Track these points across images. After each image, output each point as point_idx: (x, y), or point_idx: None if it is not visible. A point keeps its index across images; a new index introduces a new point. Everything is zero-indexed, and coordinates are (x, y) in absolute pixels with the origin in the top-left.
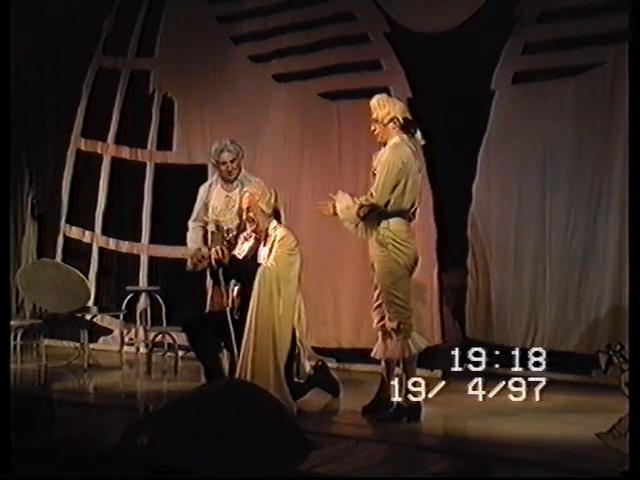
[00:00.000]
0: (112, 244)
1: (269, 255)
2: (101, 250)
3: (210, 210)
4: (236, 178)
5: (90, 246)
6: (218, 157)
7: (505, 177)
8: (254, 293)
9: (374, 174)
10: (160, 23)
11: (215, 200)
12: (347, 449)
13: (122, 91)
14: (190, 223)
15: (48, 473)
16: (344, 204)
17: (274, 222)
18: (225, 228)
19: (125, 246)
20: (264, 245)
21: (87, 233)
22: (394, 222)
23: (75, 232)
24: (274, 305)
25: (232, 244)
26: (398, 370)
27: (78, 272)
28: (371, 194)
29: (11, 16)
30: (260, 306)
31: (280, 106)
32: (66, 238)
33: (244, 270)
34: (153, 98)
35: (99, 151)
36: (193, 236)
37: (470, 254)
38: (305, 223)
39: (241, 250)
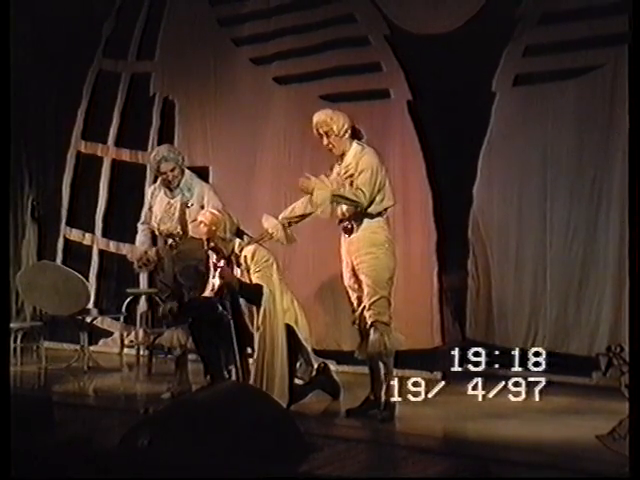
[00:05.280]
0: (112, 246)
1: (246, 275)
2: (101, 252)
3: (152, 217)
4: (178, 185)
5: (90, 248)
6: (157, 167)
7: (506, 179)
8: (267, 318)
9: (351, 175)
10: (161, 25)
11: (157, 207)
12: (347, 451)
13: (122, 93)
14: (139, 225)
15: (48, 476)
16: (270, 224)
17: (237, 241)
18: (165, 234)
19: (125, 248)
20: (237, 266)
21: (87, 235)
22: (384, 222)
23: (75, 234)
24: (281, 319)
25: (174, 248)
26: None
27: (78, 274)
28: (359, 191)
29: (11, 18)
30: (270, 326)
31: (281, 108)
32: (66, 240)
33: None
34: (154, 100)
35: (99, 153)
36: (141, 238)
37: (471, 255)
38: (306, 225)
39: (214, 276)
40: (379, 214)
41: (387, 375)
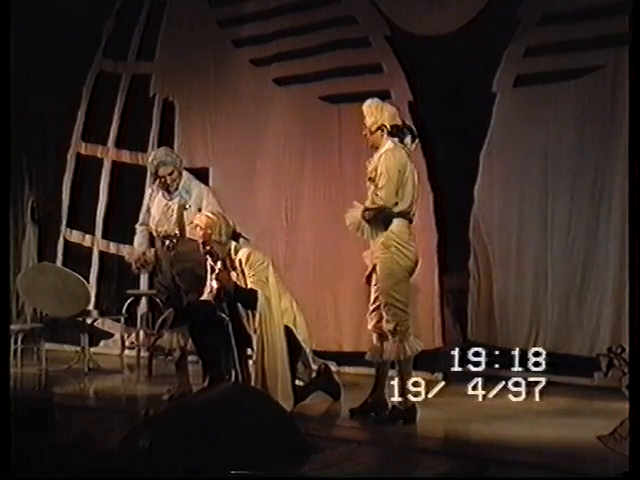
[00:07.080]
0: (112, 248)
1: (241, 278)
2: (101, 254)
3: (150, 218)
4: (176, 188)
5: (90, 250)
6: (156, 171)
7: (507, 179)
8: (263, 322)
9: (371, 179)
10: (161, 26)
11: (154, 209)
12: (348, 452)
13: (122, 95)
14: (137, 227)
15: (48, 476)
16: (349, 218)
17: (232, 244)
18: (162, 236)
19: (126, 250)
20: (232, 269)
21: (87, 237)
22: (397, 224)
23: (75, 236)
24: (279, 321)
25: (171, 250)
26: (393, 372)
27: (78, 276)
28: (376, 196)
29: (11, 19)
30: (266, 330)
31: (281, 109)
32: (66, 242)
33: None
34: (154, 102)
35: (99, 155)
36: (140, 239)
37: (472, 256)
38: (306, 226)
39: (212, 278)
40: (401, 217)
41: (403, 377)
